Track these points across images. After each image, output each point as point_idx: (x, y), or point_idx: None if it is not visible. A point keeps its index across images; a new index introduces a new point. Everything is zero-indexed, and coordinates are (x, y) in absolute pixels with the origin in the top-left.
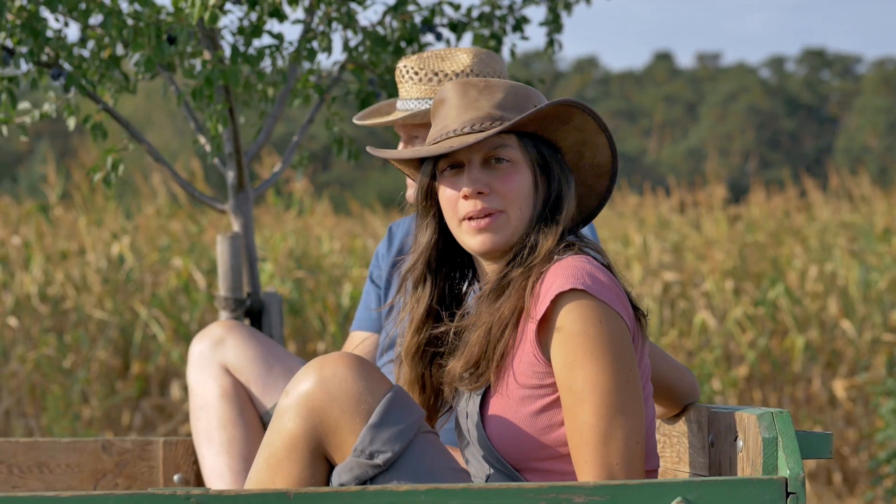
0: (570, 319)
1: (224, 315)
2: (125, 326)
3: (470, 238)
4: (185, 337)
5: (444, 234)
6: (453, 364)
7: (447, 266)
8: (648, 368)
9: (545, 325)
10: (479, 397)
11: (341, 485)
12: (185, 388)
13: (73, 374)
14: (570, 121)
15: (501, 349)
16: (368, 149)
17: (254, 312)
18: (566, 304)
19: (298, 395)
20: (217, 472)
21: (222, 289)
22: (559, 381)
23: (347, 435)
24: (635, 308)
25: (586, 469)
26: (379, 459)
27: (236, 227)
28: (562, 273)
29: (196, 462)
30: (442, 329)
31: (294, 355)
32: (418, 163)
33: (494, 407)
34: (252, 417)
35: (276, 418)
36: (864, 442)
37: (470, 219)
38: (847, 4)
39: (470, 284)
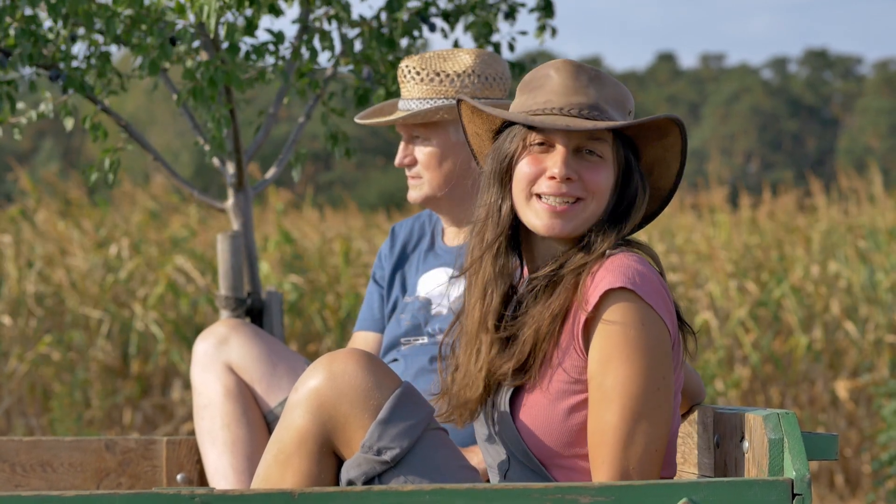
0: (614, 317)
1: (225, 314)
2: (123, 326)
3: (538, 218)
4: (182, 337)
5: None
6: (503, 362)
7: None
8: (682, 381)
9: (591, 320)
10: (511, 389)
11: (349, 481)
12: (186, 388)
13: (72, 374)
14: (665, 136)
15: (549, 347)
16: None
17: (254, 311)
18: (613, 302)
19: (307, 390)
20: (220, 472)
21: (223, 288)
22: (591, 375)
23: (356, 430)
24: (681, 321)
25: (602, 469)
26: (387, 456)
27: (236, 225)
28: (613, 269)
29: (199, 461)
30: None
31: (298, 354)
32: (493, 134)
33: (529, 401)
34: (256, 416)
35: (286, 414)
36: (867, 443)
37: (544, 196)
38: (849, 6)
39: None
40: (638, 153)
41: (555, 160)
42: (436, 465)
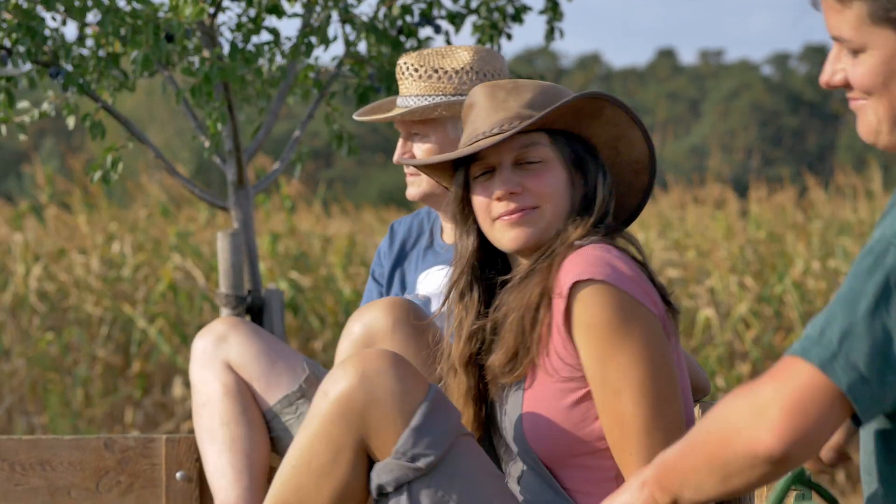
0: (592, 311)
1: (225, 312)
2: (124, 325)
3: (503, 235)
4: (182, 335)
5: (484, 240)
6: (493, 358)
7: (491, 272)
8: (684, 365)
9: (569, 316)
10: (521, 393)
11: (380, 485)
12: (186, 386)
13: (73, 372)
14: (600, 115)
15: (536, 335)
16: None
17: (255, 309)
18: (587, 296)
19: (340, 394)
20: (220, 470)
21: (223, 286)
22: (590, 375)
23: (389, 435)
24: (668, 303)
25: (631, 461)
26: (421, 463)
27: (236, 223)
28: (580, 261)
29: (199, 459)
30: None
31: (297, 352)
32: (452, 171)
33: (529, 403)
34: (255, 415)
35: (316, 420)
36: None
37: (500, 217)
38: None
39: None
40: (588, 141)
41: (496, 181)
42: (466, 472)
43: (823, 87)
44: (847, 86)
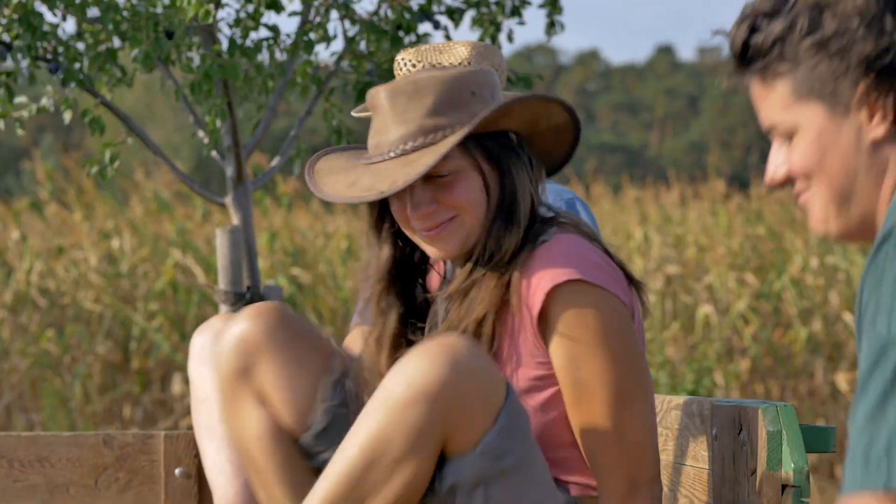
0: (568, 314)
1: (224, 309)
2: (123, 321)
3: (427, 247)
4: (182, 332)
5: (402, 246)
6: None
7: (412, 277)
8: (643, 339)
9: (543, 319)
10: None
11: (456, 483)
12: (185, 383)
13: (73, 369)
14: (510, 114)
15: (485, 347)
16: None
17: None
18: (561, 297)
19: (427, 382)
20: (219, 466)
21: (222, 282)
22: (562, 376)
23: (472, 430)
24: (630, 279)
25: (607, 468)
26: (506, 463)
27: (235, 220)
28: (552, 260)
29: (197, 456)
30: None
31: None
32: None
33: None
34: None
35: (394, 409)
36: None
37: (419, 231)
38: None
39: (426, 290)
40: (502, 134)
41: (408, 200)
42: (542, 472)
43: (769, 186)
44: (791, 180)
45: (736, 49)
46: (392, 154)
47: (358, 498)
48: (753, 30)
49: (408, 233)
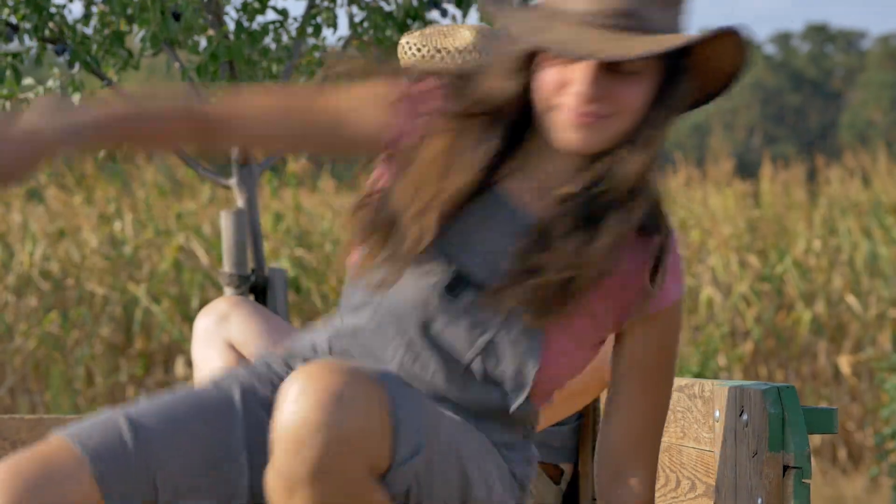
0: (670, 330)
1: (228, 291)
2: (126, 304)
3: (564, 131)
4: (185, 314)
5: (523, 102)
6: (507, 289)
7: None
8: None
9: (652, 319)
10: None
11: (393, 496)
12: (189, 365)
13: (76, 352)
14: (725, 46)
15: (584, 296)
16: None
17: (258, 288)
18: (673, 313)
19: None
20: None
21: (226, 265)
22: (638, 358)
23: (381, 453)
24: None
25: (648, 452)
26: (419, 458)
27: (240, 202)
28: (679, 269)
29: None
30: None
31: (300, 331)
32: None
33: (555, 345)
34: None
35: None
36: (869, 417)
37: (567, 108)
38: None
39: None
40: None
41: (582, 75)
42: (448, 433)
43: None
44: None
45: None
46: (590, 21)
47: None
48: None
49: (542, 106)
